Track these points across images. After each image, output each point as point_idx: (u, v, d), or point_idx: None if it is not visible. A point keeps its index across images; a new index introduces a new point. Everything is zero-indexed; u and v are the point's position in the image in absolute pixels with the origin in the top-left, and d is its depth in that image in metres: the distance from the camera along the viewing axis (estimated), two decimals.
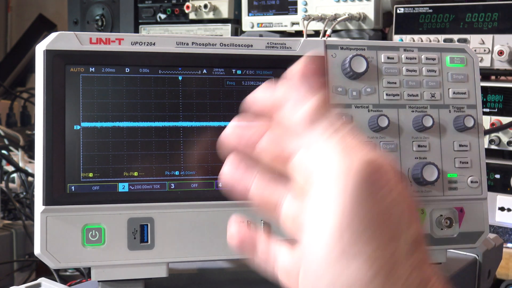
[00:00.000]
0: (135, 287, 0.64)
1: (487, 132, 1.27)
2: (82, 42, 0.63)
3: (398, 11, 1.43)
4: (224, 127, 0.66)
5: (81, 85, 0.63)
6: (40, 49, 0.62)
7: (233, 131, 0.43)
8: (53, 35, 0.63)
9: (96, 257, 0.61)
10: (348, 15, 1.47)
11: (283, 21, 1.60)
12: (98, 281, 0.64)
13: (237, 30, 1.75)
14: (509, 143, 1.30)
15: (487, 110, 1.33)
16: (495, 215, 1.30)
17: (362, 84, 0.70)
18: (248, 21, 1.65)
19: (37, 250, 0.61)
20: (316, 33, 1.56)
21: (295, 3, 1.57)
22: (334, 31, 1.51)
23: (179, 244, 0.63)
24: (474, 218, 0.71)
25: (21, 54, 2.51)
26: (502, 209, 1.31)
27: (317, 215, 0.37)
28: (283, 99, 0.41)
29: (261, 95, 0.43)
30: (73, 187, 0.62)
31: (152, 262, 0.63)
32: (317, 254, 0.36)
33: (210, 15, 1.75)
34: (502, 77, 1.48)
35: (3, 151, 1.63)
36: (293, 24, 1.59)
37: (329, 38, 1.40)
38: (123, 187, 0.63)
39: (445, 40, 1.37)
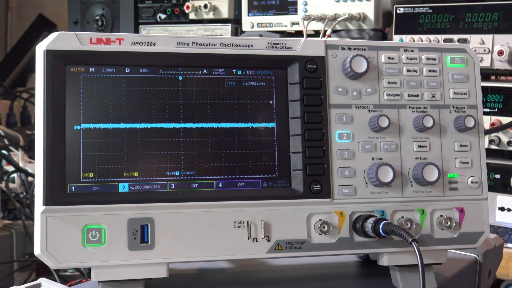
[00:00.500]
0: (135, 287, 0.64)
1: (487, 132, 1.26)
2: (82, 42, 0.63)
3: (398, 11, 1.43)
4: (224, 127, 0.66)
5: (81, 85, 0.63)
6: (40, 49, 0.62)
7: None
8: (53, 35, 0.63)
9: (96, 257, 0.61)
10: (348, 15, 1.47)
11: (283, 21, 1.60)
12: (98, 281, 0.64)
13: (237, 30, 1.75)
14: (509, 143, 1.30)
15: (487, 110, 1.33)
16: (495, 215, 1.30)
17: (362, 84, 0.70)
18: (248, 21, 1.65)
19: (37, 250, 0.61)
20: (316, 33, 1.56)
21: (295, 3, 1.57)
22: (334, 31, 1.51)
23: (179, 244, 0.63)
24: (474, 218, 0.71)
25: (21, 54, 2.51)
26: (502, 209, 1.31)
27: None
28: None
29: None
30: (73, 187, 0.62)
31: (152, 262, 0.63)
32: None
33: (210, 15, 1.75)
34: (502, 77, 1.48)
35: (3, 151, 1.63)
36: (293, 24, 1.58)
37: (329, 38, 1.40)
38: (123, 187, 0.63)
39: (445, 40, 1.37)
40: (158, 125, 0.65)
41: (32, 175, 1.55)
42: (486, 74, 1.43)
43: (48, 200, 0.60)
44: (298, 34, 1.61)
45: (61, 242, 0.61)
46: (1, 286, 1.39)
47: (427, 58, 0.72)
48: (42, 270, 1.40)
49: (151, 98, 0.65)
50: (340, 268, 0.79)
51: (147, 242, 0.63)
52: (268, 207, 0.66)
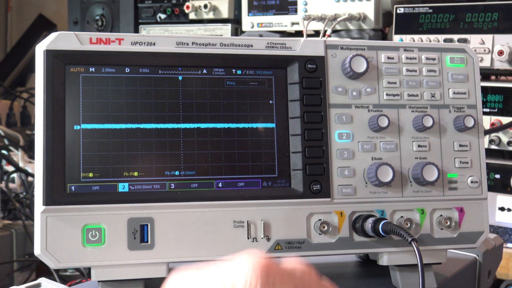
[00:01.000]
0: (135, 287, 0.64)
1: (487, 132, 1.27)
2: (82, 42, 0.63)
3: (398, 11, 1.43)
4: (224, 127, 0.66)
5: (81, 85, 0.63)
6: (40, 49, 0.62)
7: None
8: (53, 35, 0.63)
9: (96, 257, 0.61)
10: (348, 15, 1.47)
11: (283, 21, 1.60)
12: (98, 281, 0.64)
13: (237, 30, 1.75)
14: (509, 143, 1.30)
15: (487, 110, 1.33)
16: (495, 215, 1.30)
17: (362, 84, 0.70)
18: (248, 21, 1.65)
19: (37, 250, 0.61)
20: (316, 33, 1.56)
21: (295, 3, 1.57)
22: (334, 31, 1.51)
23: (179, 244, 0.63)
24: (474, 218, 0.71)
25: (21, 54, 2.51)
26: (502, 209, 1.31)
27: None
28: None
29: None
30: (73, 187, 0.62)
31: (152, 262, 0.63)
32: None
33: (210, 15, 1.75)
34: (502, 77, 1.48)
35: (3, 151, 1.63)
36: (293, 24, 1.59)
37: (329, 38, 1.40)
38: (123, 187, 0.63)
39: (445, 40, 1.37)
40: (158, 125, 0.65)
41: (32, 175, 1.55)
42: (486, 74, 1.43)
43: (48, 200, 0.60)
44: (298, 34, 1.61)
45: (61, 242, 0.61)
46: (1, 286, 1.39)
47: (427, 58, 0.72)
48: (42, 270, 1.40)
49: (151, 98, 0.65)
50: (340, 268, 0.79)
51: (147, 242, 0.63)
52: (268, 207, 0.66)
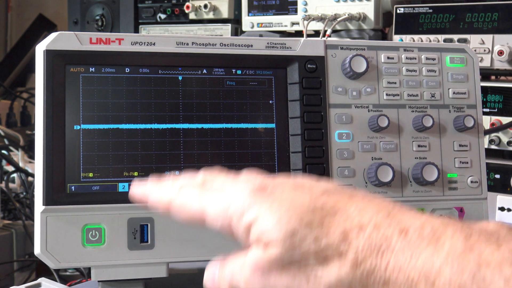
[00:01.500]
0: (135, 287, 0.64)
1: (487, 132, 1.26)
2: (82, 42, 0.63)
3: (398, 11, 1.43)
4: (224, 128, 0.66)
5: (81, 85, 0.63)
6: (40, 49, 0.62)
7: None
8: (53, 35, 0.63)
9: (96, 257, 0.61)
10: (348, 15, 1.47)
11: (283, 21, 1.60)
12: (98, 281, 0.64)
13: (237, 30, 1.75)
14: (509, 143, 1.30)
15: (487, 110, 1.33)
16: (495, 215, 1.30)
17: (362, 84, 0.70)
18: (248, 21, 1.65)
19: (37, 250, 0.61)
20: (316, 33, 1.56)
21: (295, 3, 1.57)
22: (334, 31, 1.51)
23: (179, 244, 0.63)
24: (474, 218, 0.71)
25: (21, 54, 2.51)
26: (502, 209, 1.31)
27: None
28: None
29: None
30: (73, 187, 0.62)
31: (152, 262, 0.63)
32: None
33: (210, 15, 1.75)
34: (502, 77, 1.48)
35: (3, 151, 1.63)
36: (293, 24, 1.58)
37: (329, 38, 1.40)
38: (123, 187, 0.63)
39: (445, 40, 1.37)
40: (158, 125, 0.65)
41: (32, 175, 1.55)
42: (486, 74, 1.43)
43: (48, 200, 0.60)
44: (298, 34, 1.61)
45: (61, 242, 0.61)
46: (1, 286, 1.39)
47: (427, 58, 0.72)
48: (42, 270, 1.40)
49: (151, 98, 0.65)
50: None
51: (147, 241, 0.63)
52: None
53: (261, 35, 1.58)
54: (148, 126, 0.64)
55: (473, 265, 0.34)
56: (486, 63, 1.31)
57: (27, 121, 2.24)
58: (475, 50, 1.22)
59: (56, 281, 0.89)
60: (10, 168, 1.63)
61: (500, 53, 1.29)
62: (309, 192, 0.40)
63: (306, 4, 1.54)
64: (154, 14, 1.86)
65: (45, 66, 0.62)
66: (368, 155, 0.69)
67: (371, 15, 1.47)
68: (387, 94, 0.70)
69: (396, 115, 0.70)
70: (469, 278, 0.34)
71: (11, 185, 1.60)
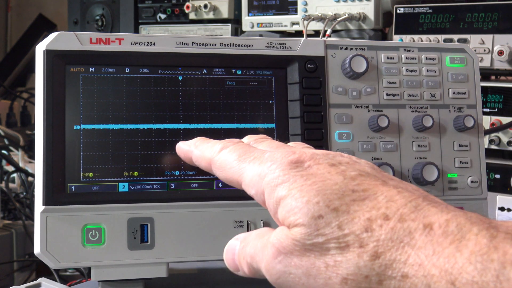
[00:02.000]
0: (135, 287, 0.64)
1: (487, 132, 1.27)
2: (82, 42, 0.63)
3: (398, 11, 1.43)
4: (224, 128, 0.66)
5: (81, 85, 0.63)
6: (40, 49, 0.62)
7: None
8: (53, 35, 0.63)
9: (96, 257, 0.61)
10: (348, 15, 1.47)
11: (283, 21, 1.60)
12: (98, 281, 0.64)
13: (237, 30, 1.75)
14: (509, 143, 1.30)
15: (487, 110, 1.33)
16: (495, 215, 1.30)
17: (362, 84, 0.70)
18: (248, 21, 1.65)
19: (37, 250, 0.61)
20: (316, 33, 1.56)
21: (295, 3, 1.57)
22: (334, 31, 1.51)
23: (179, 244, 0.63)
24: None
25: (21, 54, 2.51)
26: (502, 209, 1.31)
27: None
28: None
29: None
30: (73, 187, 0.62)
31: (152, 262, 0.63)
32: None
33: (210, 15, 1.75)
34: (502, 77, 1.48)
35: (3, 151, 1.63)
36: (293, 24, 1.59)
37: (329, 38, 1.40)
38: (123, 187, 0.63)
39: (445, 40, 1.37)
40: (158, 125, 0.65)
41: (32, 175, 1.55)
42: (486, 74, 1.43)
43: (48, 200, 0.60)
44: (298, 34, 1.61)
45: (61, 242, 0.61)
46: (1, 286, 1.39)
47: (427, 58, 0.72)
48: (42, 270, 1.40)
49: (151, 98, 0.65)
50: None
51: (147, 241, 0.63)
52: None
53: (261, 35, 1.58)
54: (148, 126, 0.64)
55: (497, 264, 0.33)
56: (486, 63, 1.31)
57: (27, 121, 2.24)
58: (475, 50, 1.22)
59: (56, 281, 0.89)
60: (10, 168, 1.63)
61: (500, 53, 1.29)
62: (343, 173, 0.40)
63: (306, 4, 1.54)
64: (154, 14, 1.86)
65: (45, 66, 0.62)
66: (368, 155, 0.69)
67: (371, 15, 1.47)
68: (387, 94, 0.70)
69: (396, 115, 0.70)
70: (492, 278, 0.33)
71: (11, 185, 1.60)
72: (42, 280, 0.67)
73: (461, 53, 0.73)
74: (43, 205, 0.60)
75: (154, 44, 0.65)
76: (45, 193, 0.60)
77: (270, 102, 0.68)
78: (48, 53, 0.62)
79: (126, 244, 0.62)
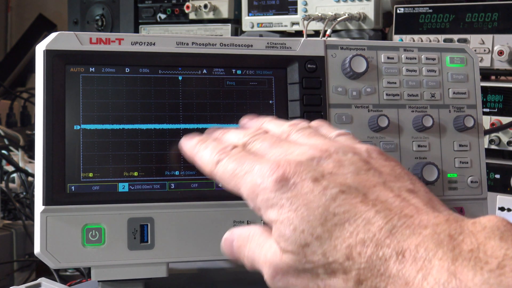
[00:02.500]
0: (135, 287, 0.64)
1: (487, 132, 1.27)
2: (82, 42, 0.63)
3: (398, 11, 1.43)
4: (224, 127, 0.66)
5: (81, 85, 0.63)
6: (40, 49, 0.62)
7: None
8: (53, 35, 0.63)
9: (96, 257, 0.61)
10: (348, 15, 1.47)
11: (283, 21, 1.60)
12: (98, 281, 0.64)
13: (237, 30, 1.75)
14: (509, 143, 1.30)
15: (487, 110, 1.33)
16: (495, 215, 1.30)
17: (362, 84, 0.70)
18: (248, 21, 1.65)
19: (37, 250, 0.61)
20: (316, 33, 1.56)
21: (295, 3, 1.57)
22: (334, 31, 1.51)
23: (179, 244, 0.63)
24: (474, 218, 0.71)
25: (21, 54, 2.51)
26: (502, 209, 1.31)
27: None
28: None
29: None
30: (73, 187, 0.62)
31: (152, 262, 0.63)
32: None
33: (210, 15, 1.75)
34: (502, 77, 1.48)
35: (3, 151, 1.63)
36: (293, 24, 1.59)
37: (329, 38, 1.40)
38: (123, 187, 0.63)
39: (445, 40, 1.37)
40: (158, 125, 0.65)
41: (32, 175, 1.55)
42: (486, 74, 1.43)
43: (48, 200, 0.60)
44: (298, 34, 1.61)
45: (61, 242, 0.61)
46: (1, 286, 1.39)
47: (427, 58, 0.72)
48: (42, 270, 1.40)
49: (151, 98, 0.65)
50: None
51: (147, 241, 0.63)
52: None
53: (261, 35, 1.58)
54: (148, 126, 0.64)
55: None
56: (486, 63, 1.31)
57: (27, 121, 2.24)
58: (475, 50, 1.22)
59: (56, 281, 0.89)
60: (10, 168, 1.63)
61: (500, 53, 1.29)
62: (325, 191, 0.42)
63: (306, 4, 1.55)
64: (154, 14, 1.86)
65: (45, 66, 0.62)
66: None
67: (371, 15, 1.47)
68: (387, 94, 0.70)
69: (396, 115, 0.70)
70: None
71: (11, 185, 1.60)
72: (42, 280, 0.67)
73: (461, 53, 0.73)
74: (43, 205, 0.60)
75: (154, 44, 0.65)
76: (45, 193, 0.60)
77: (270, 102, 0.68)
78: (48, 53, 0.62)
79: (126, 244, 0.62)
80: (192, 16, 1.78)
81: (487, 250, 0.37)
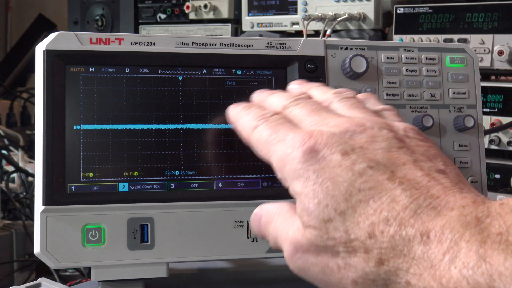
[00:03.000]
0: (135, 287, 0.64)
1: (487, 132, 1.27)
2: (82, 42, 0.63)
3: (398, 11, 1.43)
4: (224, 128, 0.66)
5: (81, 85, 0.63)
6: (40, 49, 0.62)
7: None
8: (53, 35, 0.63)
9: (96, 257, 0.61)
10: (348, 15, 1.47)
11: (283, 21, 1.60)
12: (98, 281, 0.64)
13: (237, 30, 1.75)
14: (509, 143, 1.30)
15: (487, 110, 1.33)
16: None
17: (362, 84, 0.70)
18: (248, 21, 1.65)
19: (37, 250, 0.61)
20: (316, 33, 1.56)
21: (295, 3, 1.57)
22: (334, 31, 1.51)
23: (179, 244, 0.63)
24: None
25: (21, 54, 2.51)
26: None
27: None
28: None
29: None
30: (73, 187, 0.62)
31: (152, 262, 0.63)
32: None
33: (210, 15, 1.75)
34: (502, 77, 1.48)
35: (3, 151, 1.63)
36: (293, 24, 1.59)
37: (329, 38, 1.40)
38: (123, 187, 0.63)
39: (445, 40, 1.37)
40: (158, 125, 0.65)
41: (32, 175, 1.55)
42: (486, 74, 1.43)
43: (48, 200, 0.60)
44: (298, 34, 1.61)
45: (61, 242, 0.61)
46: (1, 286, 1.39)
47: (427, 58, 0.72)
48: (42, 270, 1.40)
49: (151, 98, 0.65)
50: None
51: (147, 242, 0.63)
52: None
53: (261, 35, 1.58)
54: (148, 126, 0.64)
55: (487, 277, 0.34)
56: (486, 63, 1.31)
57: (27, 121, 2.24)
58: (475, 50, 1.22)
59: (56, 281, 0.89)
60: (10, 168, 1.63)
61: (500, 53, 1.29)
62: (352, 166, 0.41)
63: (306, 4, 1.55)
64: (154, 14, 1.86)
65: (45, 66, 0.62)
66: None
67: (371, 15, 1.47)
68: (387, 94, 0.70)
69: None
70: None
71: (11, 185, 1.60)
72: (42, 280, 0.67)
73: (461, 53, 0.73)
74: (43, 205, 0.60)
75: (154, 44, 0.65)
76: (45, 193, 0.60)
77: None
78: (48, 53, 0.62)
79: (126, 244, 0.62)
80: (192, 16, 1.78)
81: None
